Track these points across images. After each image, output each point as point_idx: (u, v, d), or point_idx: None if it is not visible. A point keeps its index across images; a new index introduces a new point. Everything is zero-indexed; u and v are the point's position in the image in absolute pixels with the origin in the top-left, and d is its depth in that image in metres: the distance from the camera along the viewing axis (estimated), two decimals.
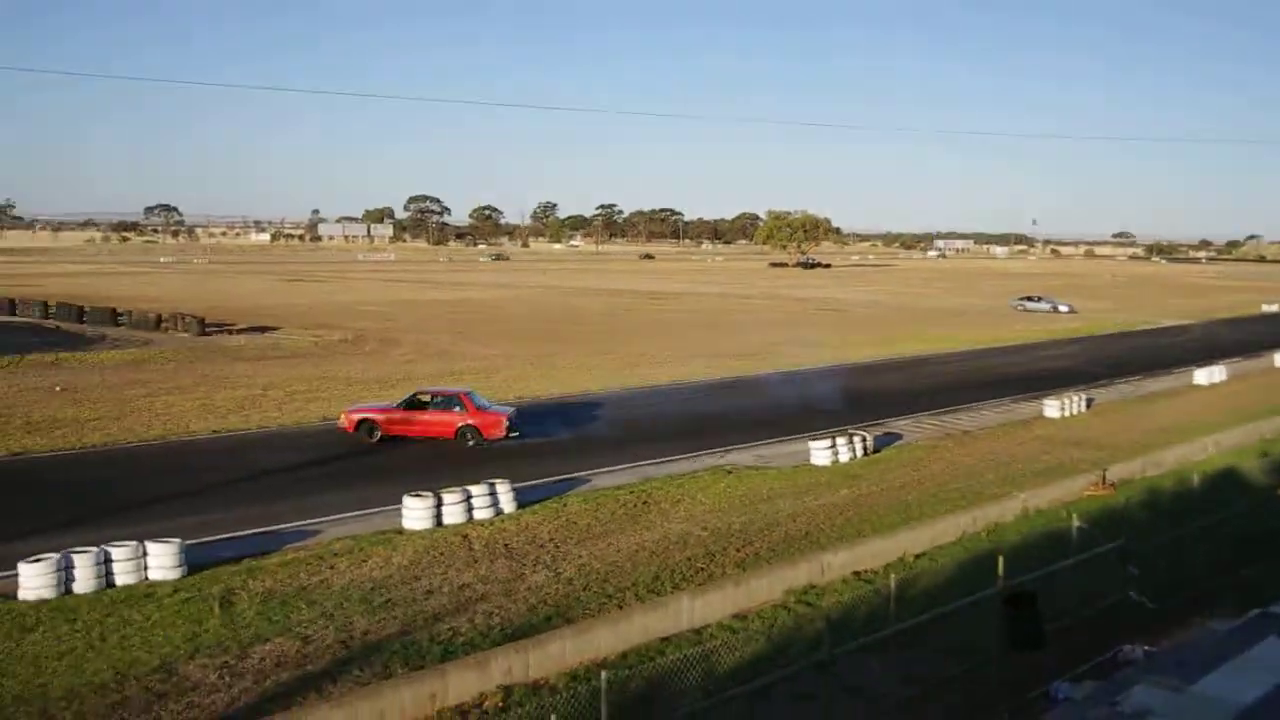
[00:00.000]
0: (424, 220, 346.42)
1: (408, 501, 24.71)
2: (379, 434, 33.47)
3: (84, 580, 20.07)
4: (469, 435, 33.34)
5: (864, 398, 45.13)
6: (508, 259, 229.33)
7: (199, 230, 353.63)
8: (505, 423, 33.48)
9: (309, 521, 24.77)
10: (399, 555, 22.40)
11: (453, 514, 24.95)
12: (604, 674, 13.59)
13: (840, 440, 33.08)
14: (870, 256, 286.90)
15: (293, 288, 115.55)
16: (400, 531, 24.14)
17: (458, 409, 33.73)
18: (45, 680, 15.98)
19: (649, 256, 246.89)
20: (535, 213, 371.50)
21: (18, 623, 18.26)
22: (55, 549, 20.47)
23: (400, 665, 16.66)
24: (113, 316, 73.02)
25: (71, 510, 25.56)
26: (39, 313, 77.11)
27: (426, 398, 34.27)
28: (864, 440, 33.90)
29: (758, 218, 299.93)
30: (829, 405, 42.37)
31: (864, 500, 28.02)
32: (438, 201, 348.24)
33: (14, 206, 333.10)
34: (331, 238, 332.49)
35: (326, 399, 42.95)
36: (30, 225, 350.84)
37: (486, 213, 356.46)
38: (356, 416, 33.88)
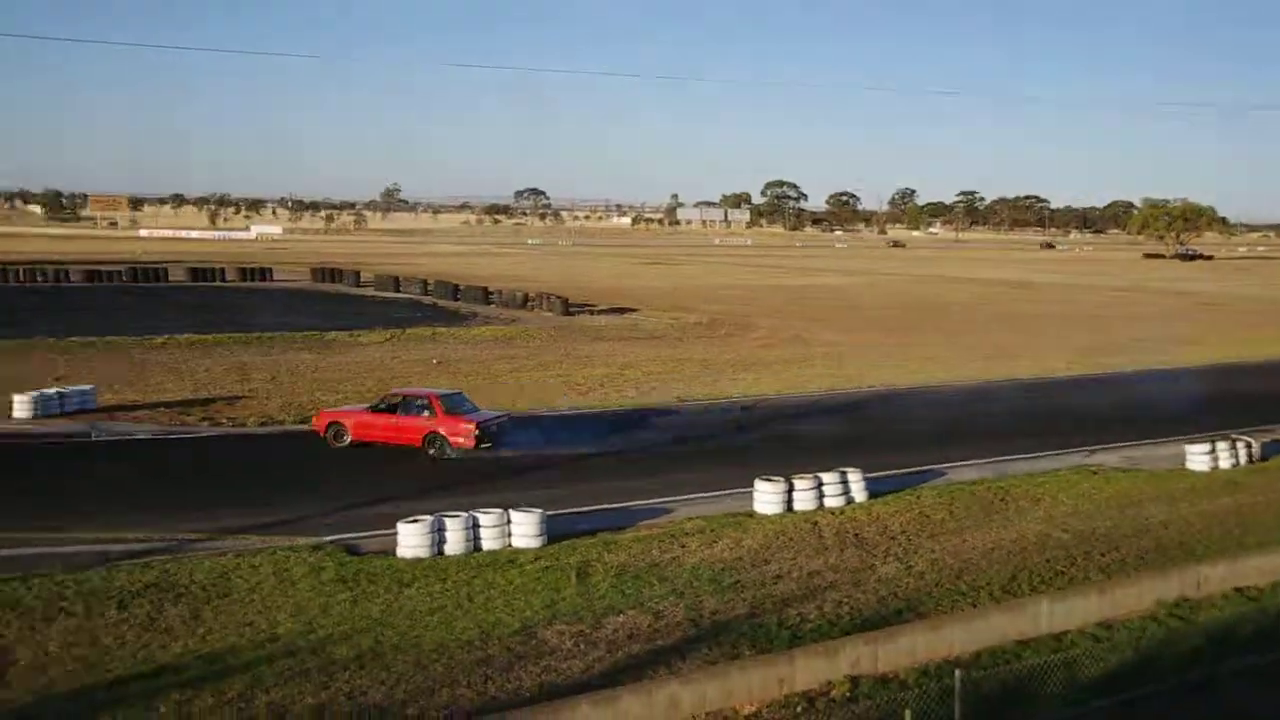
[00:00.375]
0: (781, 206, 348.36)
1: (759, 485, 24.91)
2: (348, 439, 29.93)
3: (454, 543, 21.36)
4: (435, 444, 29.37)
5: (1249, 400, 41.91)
6: (902, 245, 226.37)
7: (564, 214, 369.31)
8: (474, 431, 29.14)
9: (661, 500, 25.39)
10: (749, 538, 22.62)
11: (804, 500, 24.97)
12: (958, 673, 13.23)
13: (1221, 445, 30.84)
14: (1260, 248, 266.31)
15: (651, 270, 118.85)
16: (751, 514, 24.37)
17: (426, 414, 29.73)
18: (419, 633, 17.10)
19: (898, 244, 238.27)
20: (893, 199, 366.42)
21: (396, 578, 19.64)
22: (428, 512, 21.85)
23: (748, 647, 16.81)
24: (484, 295, 77.39)
25: (442, 478, 27.28)
26: (419, 290, 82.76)
27: (397, 399, 30.48)
28: (1249, 446, 31.46)
29: (1132, 205, 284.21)
30: (1205, 407, 39.59)
31: (1247, 510, 26.02)
32: (795, 187, 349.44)
33: (399, 190, 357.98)
34: (689, 222, 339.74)
35: (681, 380, 43.98)
36: (413, 208, 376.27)
37: (844, 199, 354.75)
38: (327, 419, 30.40)
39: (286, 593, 18.70)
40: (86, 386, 36.23)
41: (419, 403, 30.02)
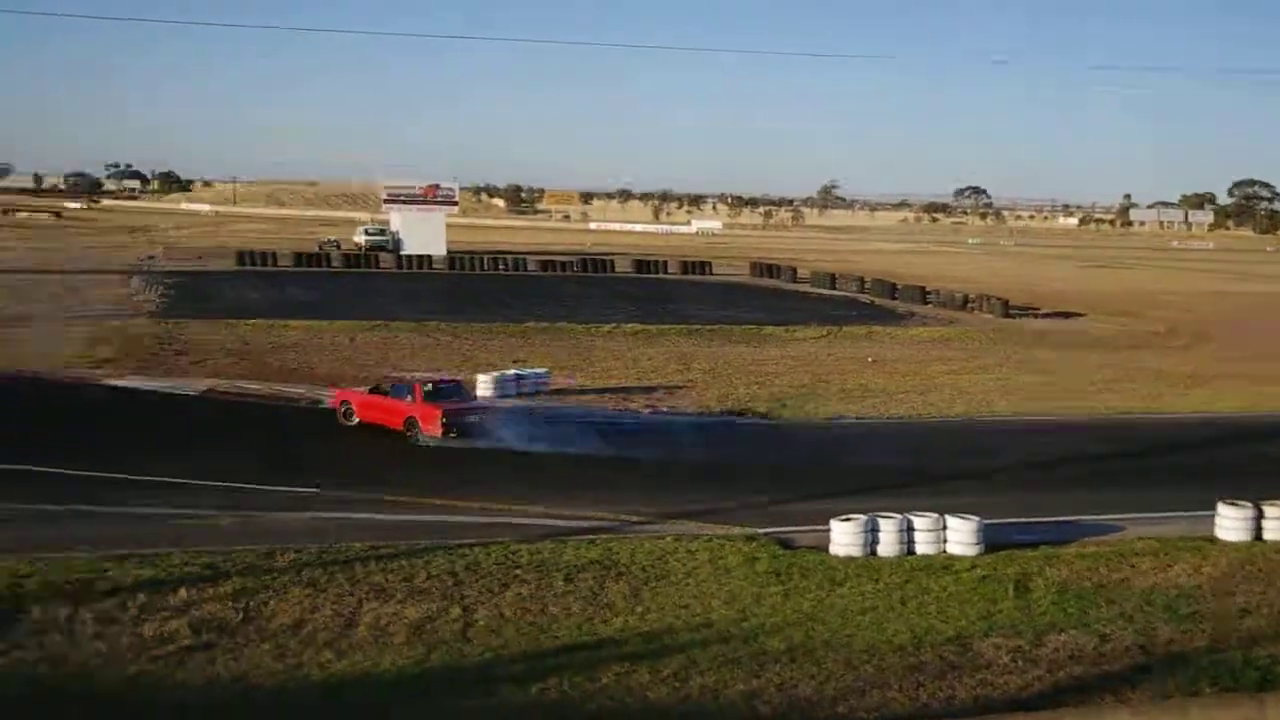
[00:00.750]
0: (1250, 207, 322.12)
1: (1222, 510, 23.11)
2: (355, 419, 30.99)
3: (887, 544, 21.17)
4: (412, 428, 29.76)
5: None
6: None
7: (1006, 213, 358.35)
8: (440, 419, 29.32)
9: (1108, 517, 24.06)
10: (1209, 565, 21.04)
11: (1273, 528, 22.93)
12: None
13: None
14: None
15: (1098, 274, 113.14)
16: (1211, 539, 22.65)
17: (407, 398, 30.34)
18: (850, 632, 17.07)
19: None
20: None
21: (829, 575, 19.71)
22: (864, 510, 21.77)
23: (1208, 684, 15.62)
24: (922, 294, 76.28)
25: (871, 477, 27.13)
26: (855, 287, 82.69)
27: (388, 384, 31.77)
28: None
29: None
30: None
31: None
32: (1268, 186, 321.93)
33: (838, 186, 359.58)
34: (1143, 224, 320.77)
35: (1123, 391, 41.56)
36: (850, 205, 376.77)
37: None
38: (341, 397, 31.86)
39: (721, 580, 19.17)
40: (541, 370, 38.66)
41: (403, 387, 30.95)
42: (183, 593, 17.18)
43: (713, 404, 35.93)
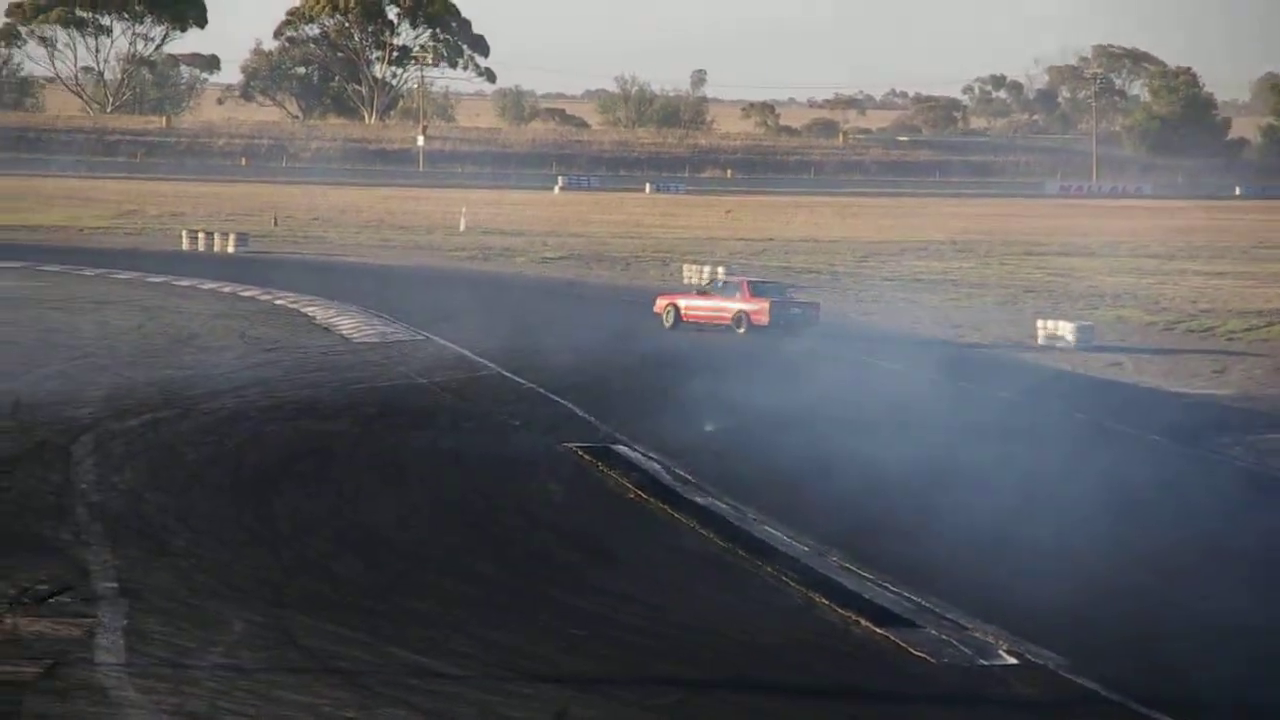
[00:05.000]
0: None
1: None
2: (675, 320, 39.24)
3: None
4: (742, 322, 38.28)
5: None
6: None
7: None
8: (768, 311, 37.71)
9: None
10: None
11: None
12: None
13: None
14: None
15: None
16: None
17: (735, 295, 38.95)
18: None
19: None
20: None
21: None
22: None
23: None
24: None
25: None
26: None
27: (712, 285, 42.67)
28: None
29: None
30: None
31: None
32: None
33: None
34: None
35: None
36: None
37: None
38: (668, 301, 40.09)
39: None
40: None
41: (732, 286, 40.30)
42: None
43: None
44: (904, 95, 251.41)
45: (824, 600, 15.39)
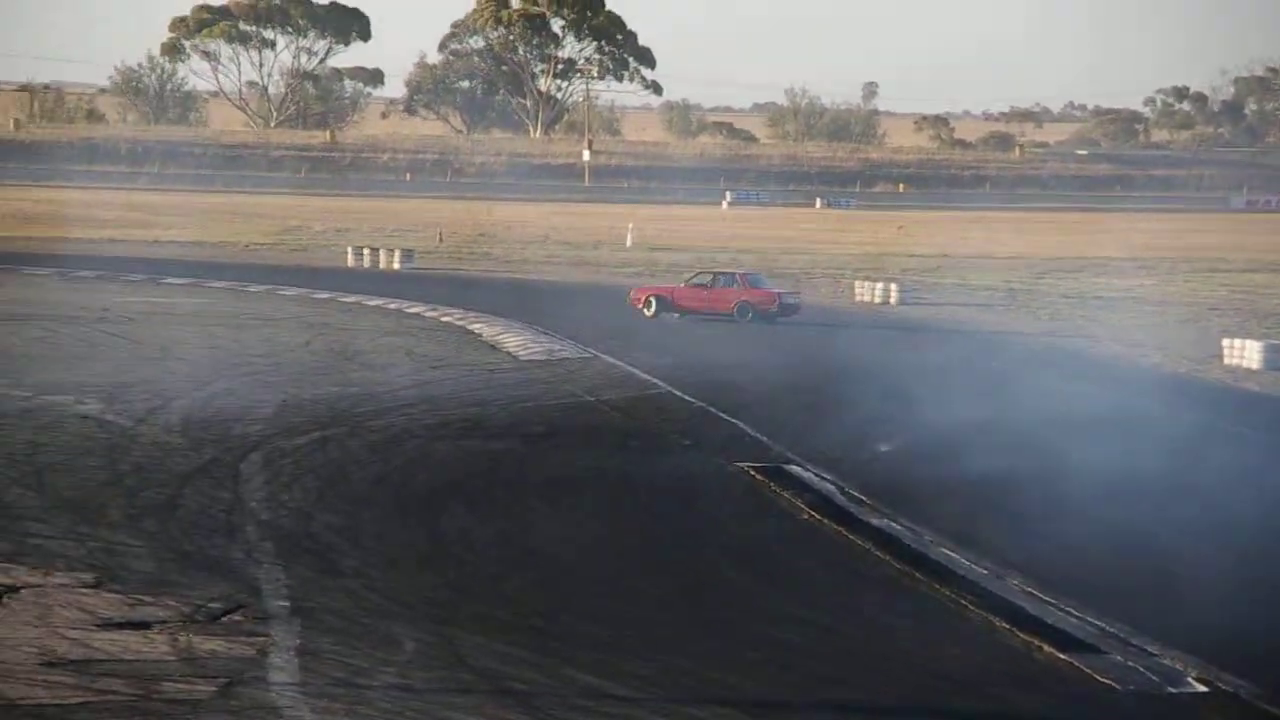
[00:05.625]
0: None
1: None
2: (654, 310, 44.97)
3: None
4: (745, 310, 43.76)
5: None
6: None
7: None
8: (777, 300, 44.11)
9: None
10: None
11: None
12: None
13: None
14: None
15: None
16: None
17: (735, 286, 44.80)
18: None
19: None
20: None
21: None
22: None
23: None
24: None
25: None
26: None
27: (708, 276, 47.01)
28: None
29: None
30: None
31: None
32: None
33: None
34: None
35: None
36: None
37: None
38: (648, 293, 45.88)
39: None
40: None
41: (729, 278, 45.90)
42: None
43: None
44: (1082, 108, 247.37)
45: (1005, 625, 15.33)
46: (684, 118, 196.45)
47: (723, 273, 48.01)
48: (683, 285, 46.98)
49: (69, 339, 35.45)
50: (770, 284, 47.41)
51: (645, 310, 44.85)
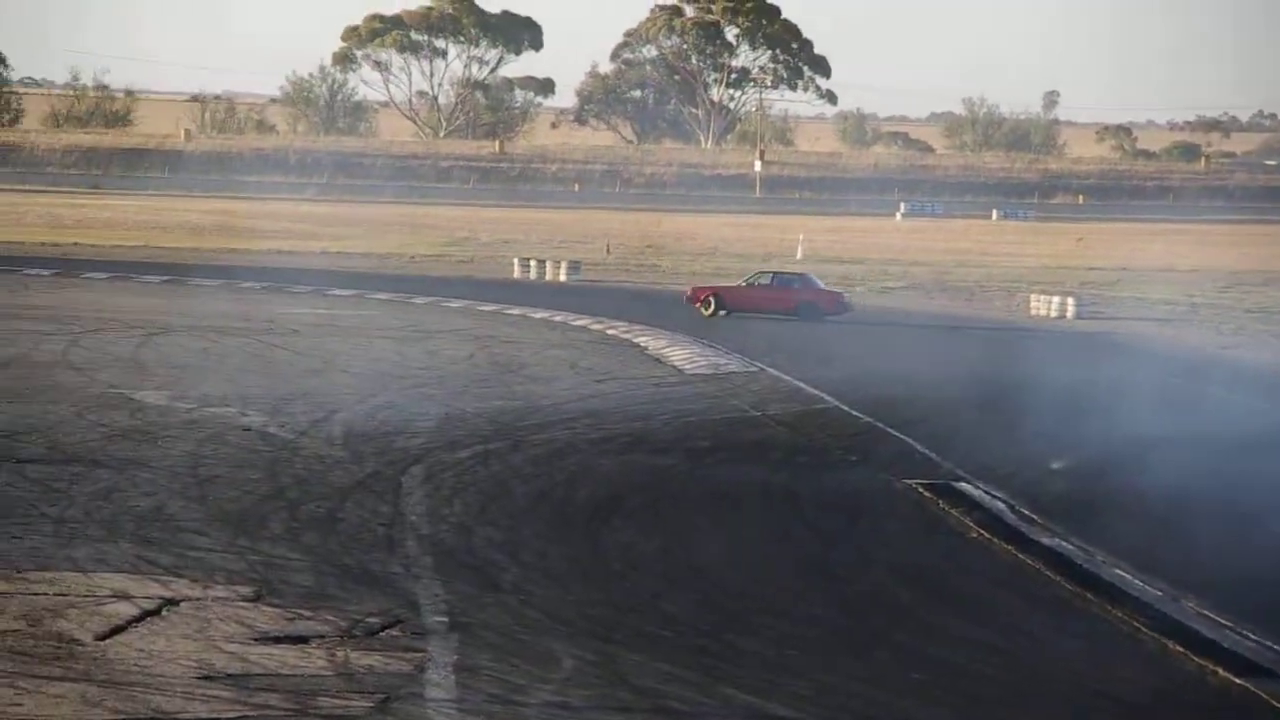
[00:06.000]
0: None
1: None
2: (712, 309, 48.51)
3: None
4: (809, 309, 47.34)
5: None
6: None
7: None
8: (839, 300, 48.38)
9: None
10: None
11: None
12: None
13: None
14: None
15: None
16: None
17: (795, 285, 49.19)
18: None
19: None
20: None
21: None
22: None
23: None
24: None
25: None
26: None
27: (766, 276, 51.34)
28: None
29: None
30: None
31: None
32: None
33: None
34: None
35: None
36: None
37: None
38: (706, 293, 49.20)
39: None
40: None
41: (790, 279, 50.37)
42: None
43: None
44: (1272, 117, 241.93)
45: (1179, 648, 15.01)
46: (858, 127, 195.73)
47: (782, 273, 52.31)
48: (742, 285, 50.42)
49: (234, 350, 36.24)
50: (822, 285, 50.99)
51: (703, 310, 47.90)
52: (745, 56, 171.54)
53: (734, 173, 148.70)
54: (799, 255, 72.47)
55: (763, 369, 35.69)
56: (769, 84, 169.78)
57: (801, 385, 33.24)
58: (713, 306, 47.66)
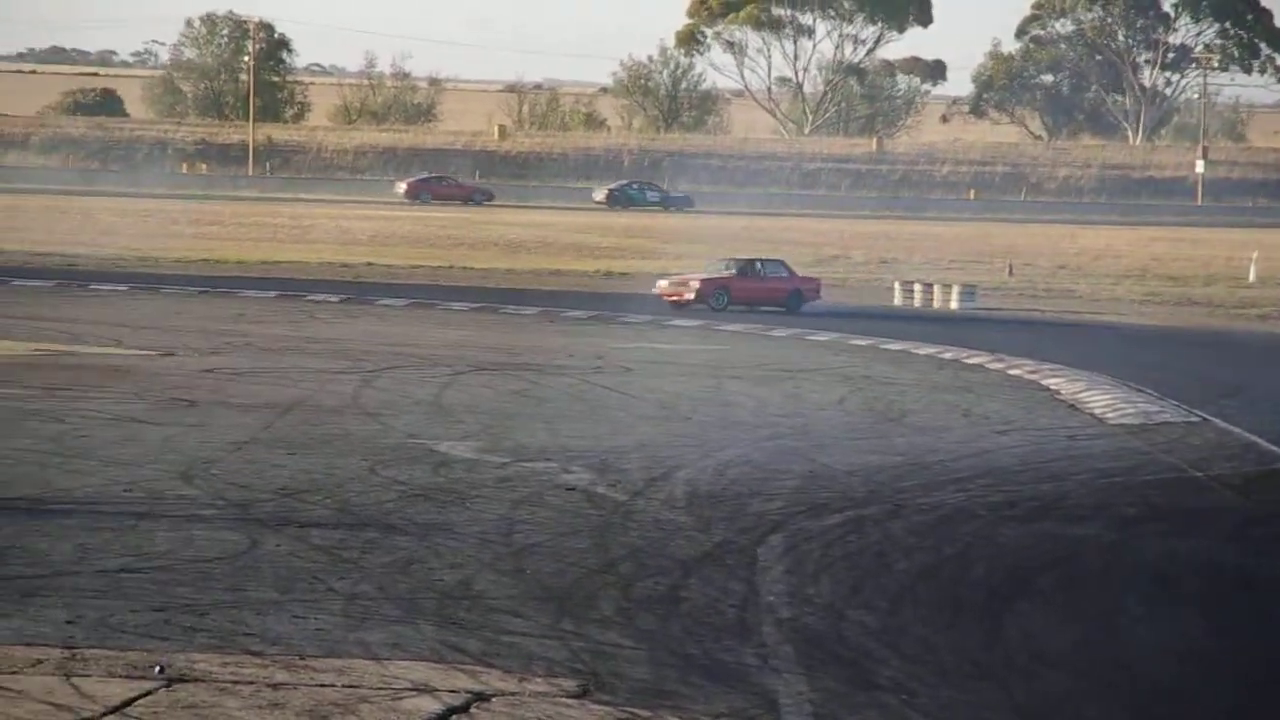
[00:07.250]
0: None
1: None
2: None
3: None
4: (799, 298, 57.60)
5: None
6: None
7: None
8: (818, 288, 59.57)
9: None
10: None
11: None
12: None
13: None
14: None
15: None
16: None
17: (783, 273, 58.81)
18: None
19: None
20: None
21: None
22: None
23: None
24: None
25: None
26: None
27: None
28: None
29: None
30: None
31: None
32: None
33: None
34: None
35: None
36: None
37: None
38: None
39: None
40: None
41: (779, 265, 59.92)
42: None
43: None
44: None
45: None
46: None
47: (770, 260, 61.08)
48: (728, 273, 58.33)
49: (555, 393, 36.85)
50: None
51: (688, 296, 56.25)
52: (1186, 31, 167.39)
53: (1170, 175, 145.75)
54: (1251, 278, 70.50)
55: (1206, 419, 34.87)
56: (1216, 65, 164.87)
57: (1257, 440, 32.30)
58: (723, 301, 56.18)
